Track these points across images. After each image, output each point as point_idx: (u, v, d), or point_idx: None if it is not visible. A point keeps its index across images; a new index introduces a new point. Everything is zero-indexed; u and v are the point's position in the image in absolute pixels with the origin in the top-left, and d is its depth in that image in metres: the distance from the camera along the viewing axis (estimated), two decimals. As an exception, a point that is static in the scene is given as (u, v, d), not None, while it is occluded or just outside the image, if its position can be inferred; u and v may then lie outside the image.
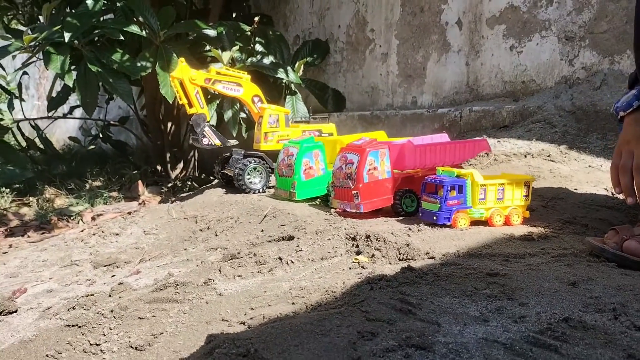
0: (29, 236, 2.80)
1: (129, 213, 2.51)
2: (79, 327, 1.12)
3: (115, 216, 2.64)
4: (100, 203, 3.63)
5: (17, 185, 3.87)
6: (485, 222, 1.54)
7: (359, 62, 3.99)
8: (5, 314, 1.42)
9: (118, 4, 3.71)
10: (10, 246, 2.47)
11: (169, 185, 4.24)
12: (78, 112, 5.22)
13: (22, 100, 4.40)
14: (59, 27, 3.46)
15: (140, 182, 4.02)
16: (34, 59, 3.79)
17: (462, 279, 1.12)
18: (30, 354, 1.06)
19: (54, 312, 1.31)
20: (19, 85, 4.26)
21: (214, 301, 1.21)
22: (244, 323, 1.07)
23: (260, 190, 2.20)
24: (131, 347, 1.08)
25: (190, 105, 2.20)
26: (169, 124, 4.67)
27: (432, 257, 1.28)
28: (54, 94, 4.36)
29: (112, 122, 4.87)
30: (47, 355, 1.06)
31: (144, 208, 2.53)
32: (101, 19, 3.69)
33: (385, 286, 1.08)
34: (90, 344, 1.09)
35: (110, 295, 1.36)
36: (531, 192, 1.58)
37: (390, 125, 3.57)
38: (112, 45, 3.71)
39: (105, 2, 3.60)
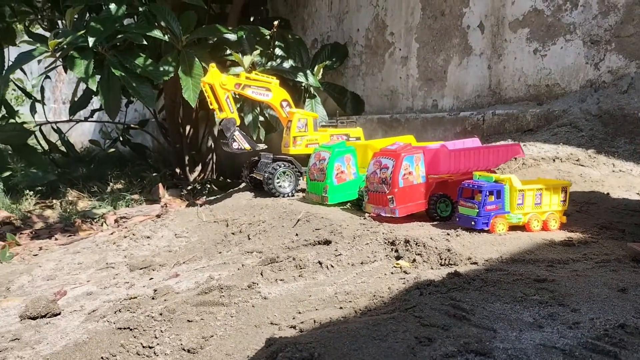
0: (56, 239, 2.83)
1: (158, 216, 2.54)
2: (131, 329, 1.14)
3: (144, 219, 2.67)
4: (123, 205, 3.67)
5: (40, 188, 3.91)
6: (522, 227, 1.54)
7: (378, 65, 4.00)
8: (50, 316, 1.44)
9: (140, 9, 3.75)
10: (41, 248, 2.50)
11: (189, 187, 4.27)
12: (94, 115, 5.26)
13: (44, 104, 4.46)
14: (82, 32, 3.50)
15: (160, 185, 4.05)
16: (57, 63, 3.84)
17: (510, 284, 1.12)
18: (85, 357, 1.08)
19: (101, 314, 1.34)
20: (42, 89, 4.32)
21: (259, 305, 1.22)
22: (294, 327, 1.08)
23: (290, 194, 2.22)
24: (183, 349, 1.09)
25: (221, 110, 2.22)
26: (188, 127, 4.71)
27: (475, 263, 1.29)
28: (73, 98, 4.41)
29: (132, 125, 4.91)
30: (102, 358, 1.08)
31: (173, 211, 2.55)
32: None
33: (435, 291, 1.09)
34: (143, 347, 1.11)
35: (153, 298, 1.38)
36: (568, 197, 1.58)
37: (411, 129, 3.57)
38: (133, 49, 3.75)
39: (127, 7, 3.64)
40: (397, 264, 1.36)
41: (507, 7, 3.08)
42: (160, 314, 1.19)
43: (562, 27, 2.83)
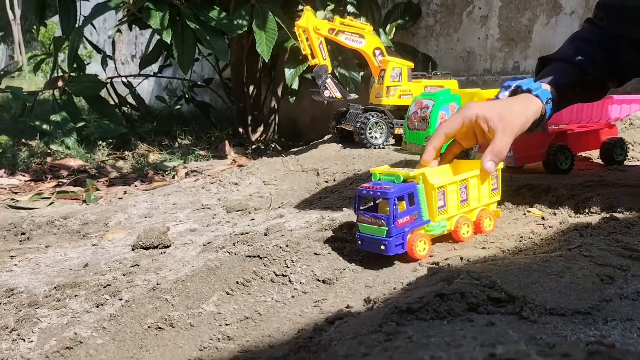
0: (135, 185, 2.86)
1: (240, 166, 2.52)
2: (261, 258, 1.11)
3: (225, 168, 2.65)
4: (192, 160, 3.70)
5: (111, 140, 3.98)
6: (448, 236, 1.12)
7: (455, 25, 3.82)
8: (162, 248, 1.44)
9: (214, -39, 3.69)
10: (125, 192, 2.54)
11: (253, 147, 4.26)
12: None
13: (114, 59, 4.51)
14: (158, -17, 3.47)
15: (227, 141, 4.06)
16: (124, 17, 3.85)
17: (676, 229, 1.02)
18: (220, 280, 1.06)
19: (218, 246, 1.31)
20: (113, 43, 4.36)
21: (388, 243, 1.16)
22: (437, 263, 1.02)
23: (381, 146, 2.14)
24: (318, 280, 1.05)
25: (313, 56, 2.15)
26: (251, 87, 4.68)
27: (620, 212, 1.18)
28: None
29: (198, 83, 4.92)
30: (237, 282, 1.05)
31: (258, 160, 2.53)
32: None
33: (596, 234, 1.01)
34: (276, 275, 1.07)
35: (266, 234, 1.34)
36: (500, 182, 1.17)
37: (489, 92, 3.42)
38: (206, 2, 3.71)
39: (202, -41, 3.59)
40: (529, 211, 1.27)
41: (609, -40, 2.85)
42: (287, 245, 1.15)
43: (674, -19, 2.59)
